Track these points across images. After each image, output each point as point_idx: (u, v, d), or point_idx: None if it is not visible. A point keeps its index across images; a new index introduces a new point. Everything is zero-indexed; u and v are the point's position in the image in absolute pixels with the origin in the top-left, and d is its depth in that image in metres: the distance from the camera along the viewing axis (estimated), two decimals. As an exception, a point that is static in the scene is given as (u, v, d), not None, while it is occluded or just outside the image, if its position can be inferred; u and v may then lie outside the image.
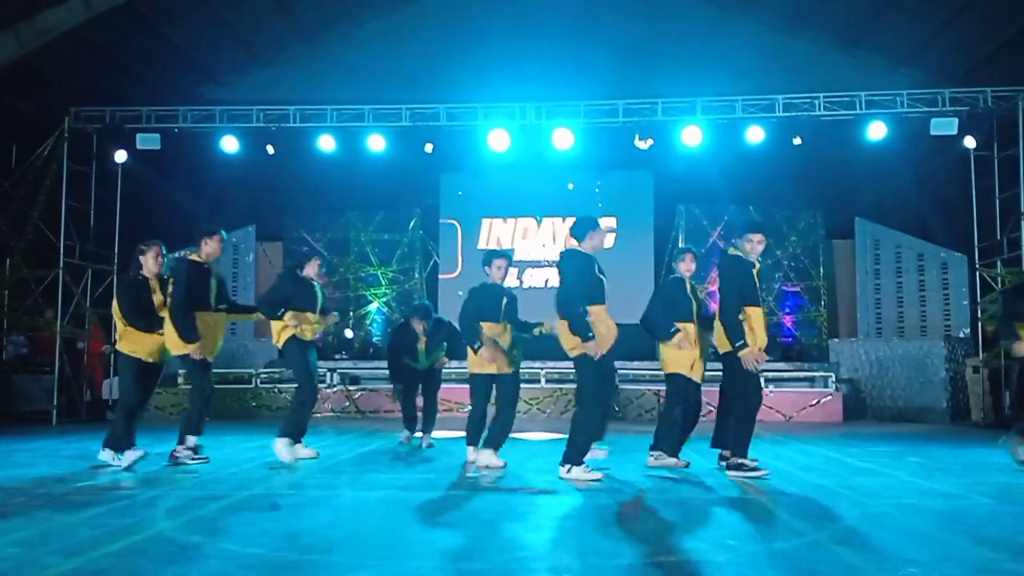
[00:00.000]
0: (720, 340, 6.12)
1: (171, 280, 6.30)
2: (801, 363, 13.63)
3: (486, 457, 6.24)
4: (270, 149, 13.35)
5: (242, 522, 4.31)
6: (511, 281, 15.17)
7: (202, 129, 13.23)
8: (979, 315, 12.71)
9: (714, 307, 6.48)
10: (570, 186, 15.41)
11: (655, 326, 6.12)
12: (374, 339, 15.40)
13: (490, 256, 6.44)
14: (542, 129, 13.07)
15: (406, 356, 8.12)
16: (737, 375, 6.03)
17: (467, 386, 6.56)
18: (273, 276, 15.47)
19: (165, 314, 6.34)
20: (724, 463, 6.42)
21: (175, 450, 6.50)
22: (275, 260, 15.90)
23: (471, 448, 6.46)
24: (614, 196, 15.41)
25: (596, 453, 6.13)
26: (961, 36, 13.01)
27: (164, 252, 6.51)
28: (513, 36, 14.08)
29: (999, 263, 12.21)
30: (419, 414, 8.29)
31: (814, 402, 12.48)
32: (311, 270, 6.79)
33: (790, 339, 14.90)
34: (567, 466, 5.75)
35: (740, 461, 5.98)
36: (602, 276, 5.76)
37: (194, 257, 6.44)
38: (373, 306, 15.74)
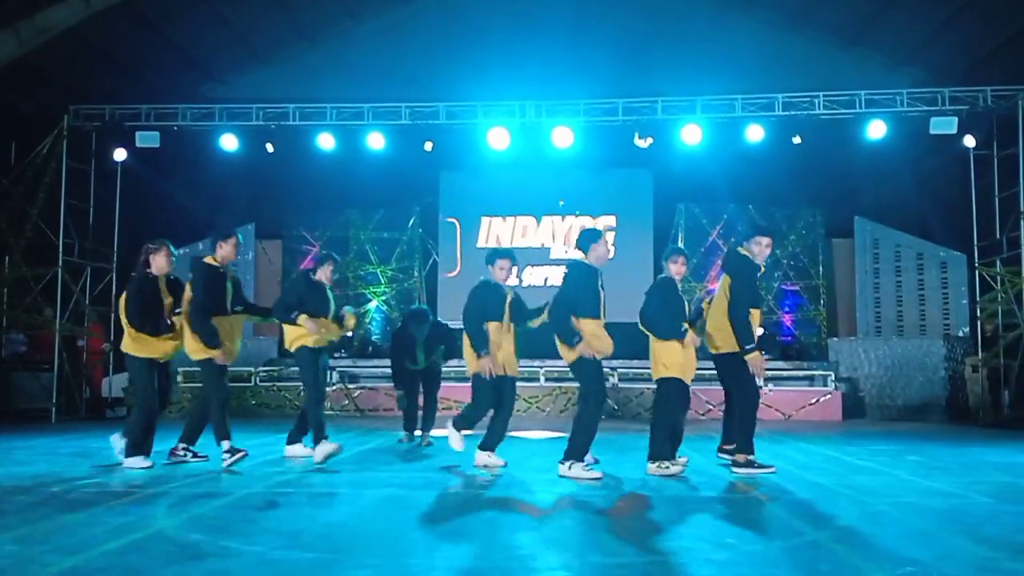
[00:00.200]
0: (721, 341, 6.13)
1: (189, 284, 6.23)
2: (800, 362, 13.63)
3: (484, 457, 6.22)
4: (269, 147, 13.35)
5: (242, 520, 4.31)
6: (511, 280, 15.32)
7: (201, 127, 13.23)
8: (978, 314, 12.72)
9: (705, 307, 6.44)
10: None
11: (659, 326, 6.05)
12: (373, 337, 15.39)
13: (493, 255, 6.31)
14: (542, 127, 13.07)
15: (407, 359, 8.09)
16: (736, 375, 6.06)
17: (466, 384, 6.44)
18: (270, 273, 15.61)
19: (176, 319, 6.31)
20: (725, 456, 6.44)
21: (175, 448, 6.51)
22: (274, 258, 15.90)
23: (455, 432, 6.26)
24: (614, 195, 15.41)
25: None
26: (961, 35, 13.01)
27: (173, 251, 6.45)
28: (513, 34, 14.07)
29: (998, 262, 12.21)
30: (419, 413, 8.29)
31: (813, 401, 12.48)
32: (324, 274, 6.60)
33: (789, 338, 14.90)
34: (568, 463, 5.77)
35: (748, 458, 6.03)
36: (602, 290, 5.81)
37: (209, 260, 6.35)
38: (372, 304, 15.73)
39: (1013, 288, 11.83)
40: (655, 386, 6.19)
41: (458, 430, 6.24)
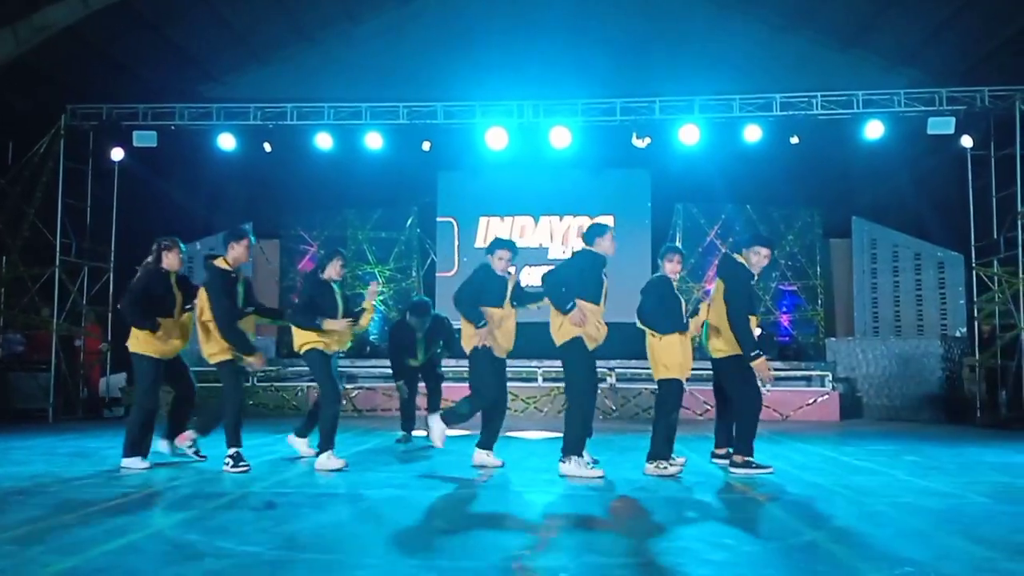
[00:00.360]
0: (722, 343, 6.14)
1: (204, 288, 6.19)
2: (798, 362, 13.64)
3: (483, 456, 6.21)
4: (267, 147, 13.33)
5: (239, 521, 4.31)
6: (510, 270, 15.32)
7: (199, 127, 13.21)
8: (975, 314, 12.73)
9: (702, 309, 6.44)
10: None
11: (659, 322, 6.05)
12: (371, 337, 15.39)
13: (495, 245, 6.29)
14: (540, 127, 13.07)
15: (406, 355, 8.06)
16: (738, 379, 6.08)
17: (466, 384, 6.37)
18: (268, 272, 15.58)
19: (186, 316, 6.33)
20: (717, 462, 6.46)
21: (183, 435, 6.57)
22: (272, 257, 15.88)
23: (440, 427, 6.14)
24: (612, 195, 15.41)
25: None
26: (959, 36, 13.02)
27: (183, 250, 6.45)
28: (511, 35, 14.07)
29: (996, 262, 12.22)
30: (418, 413, 8.29)
31: (811, 401, 12.49)
32: (333, 271, 6.40)
33: (787, 338, 14.92)
34: (567, 460, 5.79)
35: (745, 458, 6.05)
36: (605, 279, 5.90)
37: (221, 263, 6.25)
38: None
39: (1010, 288, 11.85)
40: (656, 387, 6.20)
41: (447, 425, 6.14)
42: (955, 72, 13.11)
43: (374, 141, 13.16)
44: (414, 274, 15.66)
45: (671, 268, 6.32)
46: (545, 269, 14.82)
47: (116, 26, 12.49)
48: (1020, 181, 11.67)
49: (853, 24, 14.13)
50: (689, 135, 12.77)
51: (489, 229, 15.63)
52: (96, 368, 13.43)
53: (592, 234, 5.99)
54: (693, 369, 6.22)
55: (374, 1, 14.90)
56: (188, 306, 6.33)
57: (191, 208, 15.05)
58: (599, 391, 12.40)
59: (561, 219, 15.54)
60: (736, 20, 14.38)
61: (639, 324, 6.20)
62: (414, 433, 8.25)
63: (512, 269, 6.33)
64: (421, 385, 8.41)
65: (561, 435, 5.97)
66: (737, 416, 6.23)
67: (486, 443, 6.29)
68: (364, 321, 6.54)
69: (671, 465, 5.97)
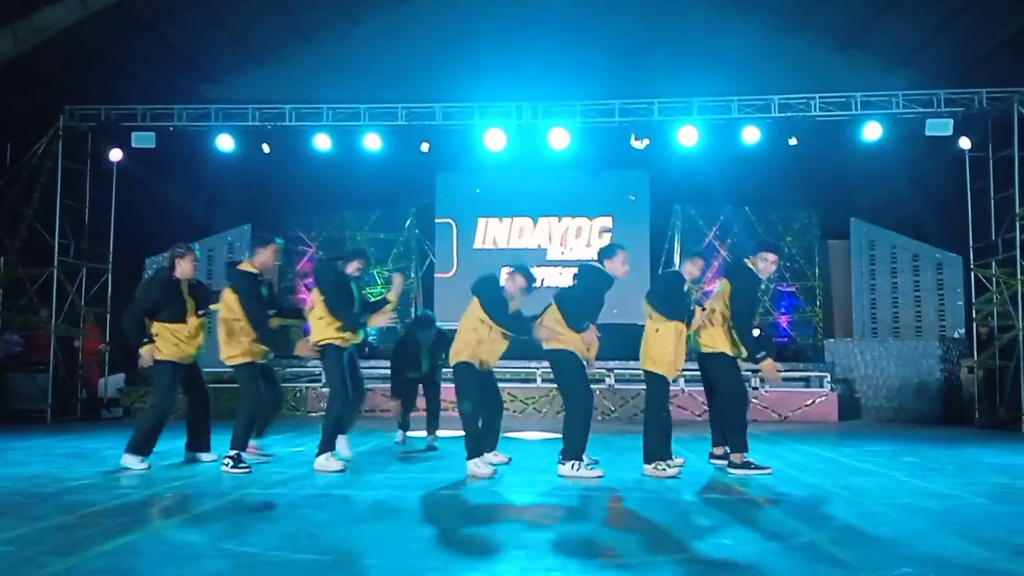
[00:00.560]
0: (709, 339, 6.17)
1: (231, 290, 6.23)
2: (796, 363, 13.64)
3: (476, 466, 6.06)
4: (266, 148, 13.32)
5: (238, 522, 4.31)
6: (517, 297, 15.31)
7: (198, 128, 13.20)
8: (974, 316, 12.74)
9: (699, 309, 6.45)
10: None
11: (668, 306, 6.05)
12: (370, 338, 15.38)
13: (517, 268, 6.38)
14: (538, 129, 13.07)
15: (409, 368, 8.00)
16: (725, 376, 6.14)
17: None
18: (268, 274, 15.54)
19: (197, 321, 6.38)
20: (717, 461, 6.47)
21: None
22: (271, 259, 15.85)
23: (470, 461, 6.03)
24: (610, 196, 15.43)
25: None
26: (957, 37, 13.03)
27: (198, 257, 6.51)
28: (509, 36, 14.07)
29: (994, 264, 12.23)
30: (414, 414, 8.26)
31: (809, 402, 12.50)
32: (353, 268, 6.39)
33: (786, 339, 14.93)
34: (567, 464, 5.80)
35: (744, 459, 6.08)
36: (603, 302, 5.97)
37: (246, 267, 6.31)
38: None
39: (1008, 290, 11.86)
40: (644, 378, 6.22)
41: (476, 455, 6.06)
42: (953, 73, 13.12)
43: (373, 142, 13.16)
44: (413, 275, 15.66)
45: (689, 269, 6.37)
46: (540, 271, 15.13)
47: (115, 27, 12.48)
48: (1018, 182, 11.68)
49: (851, 25, 14.14)
50: (687, 136, 12.77)
51: (488, 230, 15.64)
52: (94, 369, 13.41)
53: (606, 253, 6.01)
54: (691, 371, 6.23)
55: (372, 1, 14.90)
56: (201, 311, 6.41)
57: (190, 209, 15.04)
58: (598, 392, 12.48)
59: (560, 220, 15.55)
60: (735, 21, 14.39)
61: (645, 307, 6.17)
62: (410, 434, 8.25)
63: (518, 299, 6.31)
64: (420, 386, 8.39)
65: (560, 435, 5.97)
66: (726, 412, 6.27)
67: (474, 452, 6.17)
68: (383, 319, 6.49)
69: (670, 467, 5.97)
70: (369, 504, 4.88)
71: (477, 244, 15.57)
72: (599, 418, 12.34)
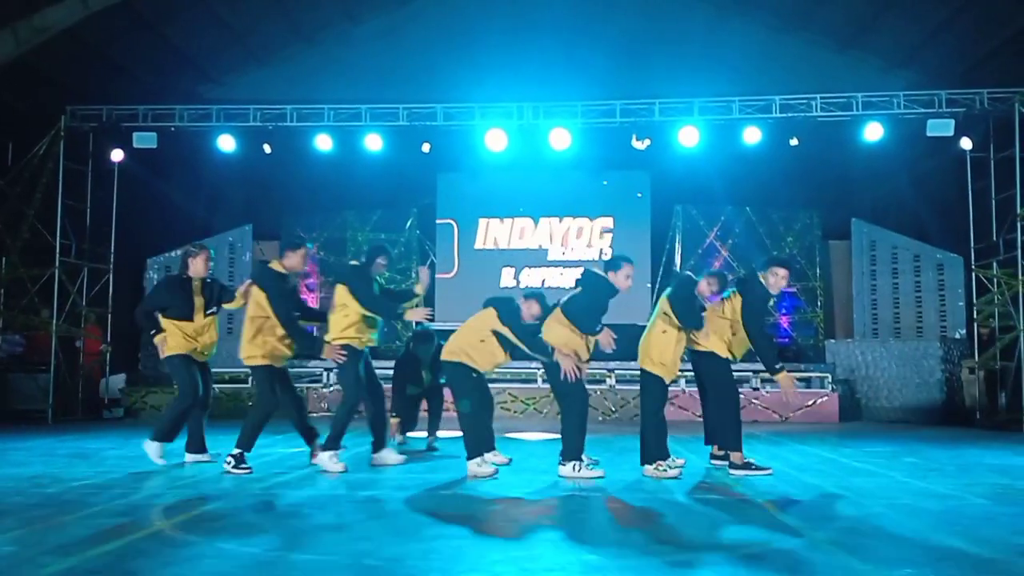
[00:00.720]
0: (703, 338, 6.19)
1: (259, 289, 6.22)
2: (797, 364, 13.63)
3: (477, 466, 6.05)
4: (267, 148, 13.33)
5: (238, 522, 4.31)
6: (508, 281, 15.41)
7: (199, 128, 13.21)
8: (975, 316, 12.74)
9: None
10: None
11: (686, 314, 6.04)
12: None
13: (533, 295, 6.29)
14: (539, 129, 13.07)
15: (410, 384, 7.95)
16: (715, 375, 6.16)
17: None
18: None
19: (210, 319, 6.42)
20: (718, 462, 6.47)
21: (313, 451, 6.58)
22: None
23: (471, 461, 6.03)
24: (611, 196, 15.43)
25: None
26: (958, 38, 13.03)
27: (212, 256, 6.57)
28: (510, 36, 14.08)
29: (995, 264, 12.23)
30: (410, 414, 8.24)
31: (810, 403, 12.49)
32: (377, 266, 6.40)
33: (786, 340, 14.93)
34: (567, 464, 5.81)
35: (745, 460, 6.09)
36: (607, 308, 5.97)
37: (276, 266, 6.35)
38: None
39: (1010, 290, 11.85)
40: (639, 376, 6.22)
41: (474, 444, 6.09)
42: (954, 74, 13.12)
43: (374, 142, 13.17)
44: (414, 275, 15.62)
45: (703, 287, 6.29)
46: (541, 272, 15.14)
47: (115, 27, 12.49)
48: (1019, 183, 11.68)
49: (852, 26, 14.14)
50: (688, 137, 12.78)
51: (489, 231, 15.65)
52: (96, 369, 13.42)
53: (611, 265, 5.99)
54: (691, 371, 6.25)
55: (373, 2, 14.91)
56: (211, 310, 6.48)
57: (191, 209, 15.05)
58: (598, 392, 12.48)
59: (561, 220, 15.54)
60: (735, 22, 14.39)
61: (663, 304, 6.14)
62: (410, 434, 8.24)
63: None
64: (420, 403, 8.37)
65: (560, 435, 5.98)
66: (719, 413, 6.28)
67: (474, 452, 6.16)
68: (421, 314, 6.39)
69: (671, 467, 5.97)
70: (369, 504, 4.88)
71: (478, 244, 15.57)
72: (599, 418, 12.34)
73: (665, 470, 5.93)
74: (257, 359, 6.28)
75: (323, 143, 13.22)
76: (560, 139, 12.95)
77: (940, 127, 12.20)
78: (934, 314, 14.14)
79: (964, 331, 13.57)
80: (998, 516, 4.51)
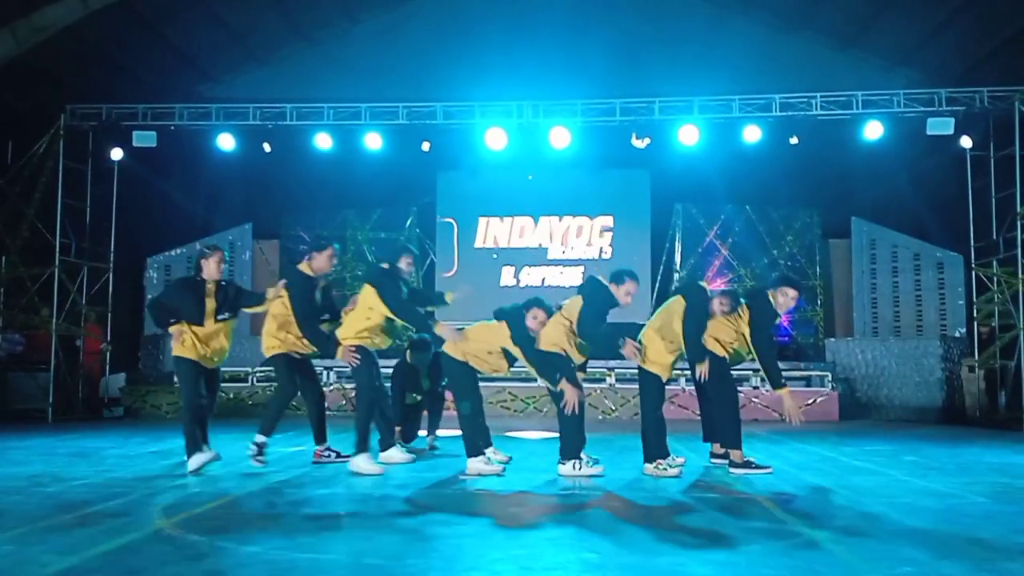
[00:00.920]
0: (706, 342, 6.20)
1: (285, 290, 6.24)
2: (797, 362, 13.64)
3: (483, 464, 6.06)
4: (267, 147, 13.33)
5: (239, 520, 4.31)
6: (508, 280, 15.40)
7: (198, 127, 13.22)
8: (975, 315, 12.74)
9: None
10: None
11: (692, 346, 6.01)
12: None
13: (531, 303, 6.01)
14: (539, 128, 13.08)
15: (410, 391, 7.90)
16: (715, 375, 6.15)
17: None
18: (267, 273, 15.56)
19: (225, 324, 6.31)
20: (718, 460, 6.48)
21: (317, 451, 6.64)
22: (272, 258, 15.87)
23: (475, 459, 6.04)
24: (611, 195, 15.43)
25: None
26: (958, 36, 13.03)
27: (226, 258, 6.50)
28: (510, 35, 14.07)
29: (995, 263, 12.24)
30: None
31: (810, 401, 12.49)
32: (405, 265, 6.34)
33: (786, 338, 14.92)
34: (568, 462, 5.81)
35: (744, 458, 6.11)
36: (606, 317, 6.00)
37: (304, 267, 6.33)
38: (350, 304, 15.65)
39: (1009, 289, 11.86)
40: (638, 376, 6.22)
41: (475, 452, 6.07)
42: (954, 72, 13.12)
43: (373, 141, 13.17)
44: (414, 274, 15.62)
45: (716, 306, 6.24)
46: (541, 270, 15.13)
47: (115, 26, 12.49)
48: (1019, 181, 11.69)
49: (852, 25, 14.14)
50: (688, 135, 12.78)
51: (489, 229, 15.64)
52: (96, 368, 13.43)
53: (615, 278, 5.96)
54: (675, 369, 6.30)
55: (373, 1, 14.90)
56: (223, 315, 6.27)
57: (190, 208, 15.05)
58: (598, 391, 12.48)
59: (561, 219, 15.54)
60: (735, 21, 14.39)
61: (676, 305, 6.11)
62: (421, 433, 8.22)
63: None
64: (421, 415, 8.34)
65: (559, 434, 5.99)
66: (718, 411, 6.29)
67: (475, 450, 6.17)
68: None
69: (671, 466, 5.97)
70: (370, 502, 4.88)
71: (478, 243, 15.57)
72: (599, 417, 12.35)
73: (665, 469, 5.93)
74: (276, 348, 6.38)
75: (323, 142, 13.22)
76: (560, 138, 12.96)
77: (940, 125, 12.21)
78: (934, 313, 14.15)
79: (964, 330, 13.58)
80: (998, 514, 4.51)
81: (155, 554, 3.51)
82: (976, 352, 12.48)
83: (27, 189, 12.36)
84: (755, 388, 12.53)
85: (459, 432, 6.11)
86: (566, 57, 13.87)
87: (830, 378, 12.83)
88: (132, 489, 5.25)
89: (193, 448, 6.07)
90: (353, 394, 12.93)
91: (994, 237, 12.30)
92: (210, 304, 6.22)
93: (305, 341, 6.33)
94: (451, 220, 15.66)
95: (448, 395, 7.91)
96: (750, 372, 12.46)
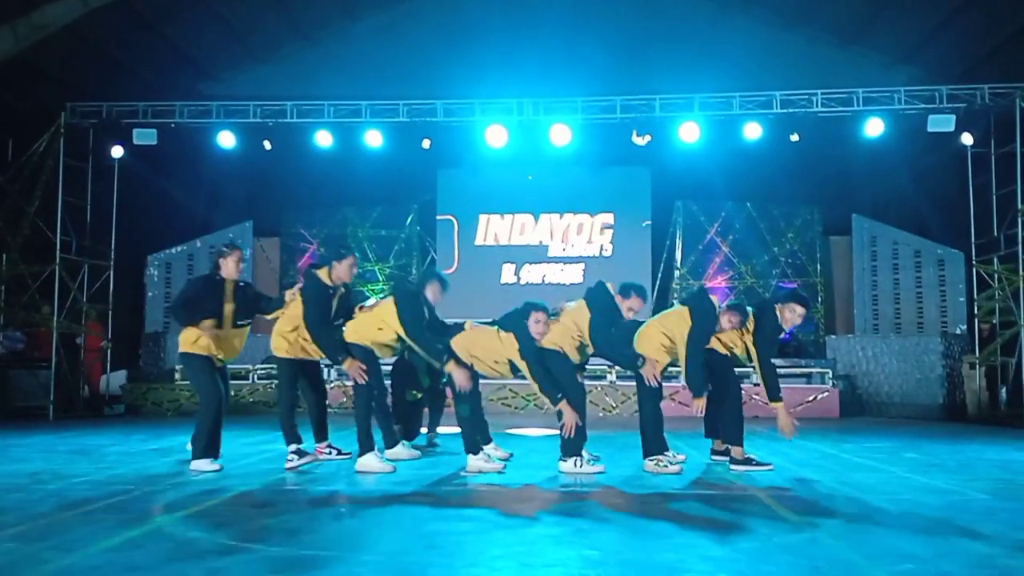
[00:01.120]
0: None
1: (300, 293, 6.19)
2: (798, 359, 13.65)
3: (483, 462, 6.06)
4: (267, 145, 13.33)
5: (240, 518, 4.31)
6: (509, 277, 15.40)
7: (199, 124, 13.21)
8: (975, 311, 12.73)
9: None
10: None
11: (693, 378, 6.03)
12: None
13: (529, 307, 5.95)
14: (539, 125, 13.07)
15: (410, 388, 7.88)
16: (716, 371, 6.15)
17: None
18: (268, 271, 15.57)
19: (240, 330, 6.27)
20: (719, 457, 6.48)
21: (318, 447, 6.66)
22: (272, 256, 15.89)
23: (475, 457, 6.05)
24: (612, 192, 15.43)
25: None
26: (959, 33, 13.01)
27: (245, 257, 6.44)
28: (510, 32, 14.06)
29: (996, 260, 12.23)
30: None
31: (811, 398, 12.50)
32: (431, 293, 6.46)
33: (787, 336, 14.89)
34: (569, 460, 5.82)
35: (745, 456, 6.13)
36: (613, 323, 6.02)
37: (322, 274, 6.17)
38: (370, 302, 15.68)
39: (1010, 286, 11.85)
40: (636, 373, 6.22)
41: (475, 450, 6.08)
42: (955, 69, 13.11)
43: (374, 139, 13.17)
44: (414, 272, 15.65)
45: (725, 322, 6.21)
46: (541, 268, 15.12)
47: (115, 24, 12.48)
48: (1020, 178, 11.68)
49: (853, 21, 14.11)
50: (689, 133, 12.77)
51: (489, 227, 15.65)
52: (97, 366, 13.44)
53: (622, 290, 5.98)
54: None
55: (373, -1, 14.89)
56: (242, 321, 6.20)
57: (191, 206, 15.05)
58: (599, 388, 12.48)
59: (561, 217, 15.54)
60: (736, 18, 14.37)
61: (680, 320, 6.11)
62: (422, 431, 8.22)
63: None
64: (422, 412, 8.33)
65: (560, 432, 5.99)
66: (720, 407, 6.30)
67: (474, 448, 6.16)
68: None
69: (671, 463, 5.98)
70: (370, 499, 4.88)
71: (479, 241, 15.58)
72: (600, 414, 12.35)
73: (666, 466, 5.93)
74: (284, 351, 6.34)
75: (323, 139, 13.22)
76: (560, 135, 12.95)
77: (941, 123, 12.20)
78: (935, 310, 14.15)
79: (965, 327, 13.57)
80: (999, 511, 4.51)
81: (156, 551, 3.51)
82: (977, 349, 12.48)
83: (28, 187, 12.36)
84: (756, 385, 12.50)
85: (459, 429, 6.11)
86: (566, 54, 13.86)
87: (831, 375, 12.83)
88: (133, 486, 5.25)
89: (206, 453, 5.99)
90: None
91: (995, 234, 12.30)
92: (228, 308, 6.12)
93: (315, 347, 6.31)
94: (451, 217, 15.67)
95: (449, 392, 7.90)
96: (751, 369, 12.43)
